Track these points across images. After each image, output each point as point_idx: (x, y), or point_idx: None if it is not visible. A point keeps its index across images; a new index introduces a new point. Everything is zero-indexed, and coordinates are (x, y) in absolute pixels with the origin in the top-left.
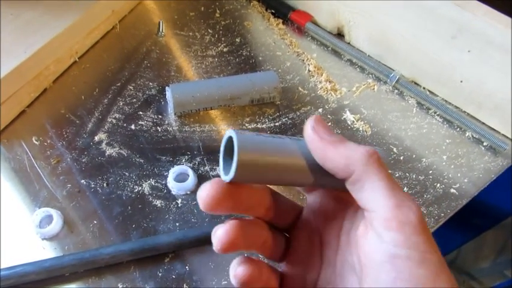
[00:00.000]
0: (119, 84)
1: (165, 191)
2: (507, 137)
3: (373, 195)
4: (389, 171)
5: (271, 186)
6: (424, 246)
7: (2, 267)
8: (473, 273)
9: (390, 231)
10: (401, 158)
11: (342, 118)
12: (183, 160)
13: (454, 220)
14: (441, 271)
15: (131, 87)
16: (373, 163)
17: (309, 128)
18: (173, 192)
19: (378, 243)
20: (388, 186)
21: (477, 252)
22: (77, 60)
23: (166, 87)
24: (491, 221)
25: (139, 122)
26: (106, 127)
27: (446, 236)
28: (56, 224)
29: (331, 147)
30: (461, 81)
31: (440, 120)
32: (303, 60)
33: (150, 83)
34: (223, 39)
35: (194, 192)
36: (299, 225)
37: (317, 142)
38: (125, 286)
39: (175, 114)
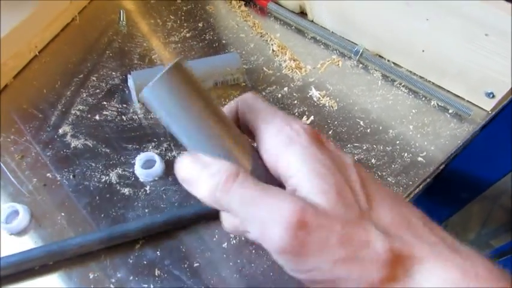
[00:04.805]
0: (81, 76)
1: (133, 178)
2: (472, 103)
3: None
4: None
5: None
6: None
7: None
8: None
9: None
10: (368, 130)
11: (308, 95)
12: (150, 147)
13: (439, 194)
14: None
15: (94, 78)
16: None
17: None
18: (141, 180)
19: None
20: None
21: (463, 225)
22: (37, 54)
23: (128, 75)
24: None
25: (104, 112)
26: (70, 119)
27: (432, 210)
28: (23, 219)
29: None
30: (423, 51)
31: (405, 91)
32: (267, 41)
33: (113, 73)
34: (185, 24)
35: (162, 178)
36: None
37: None
38: (95, 275)
39: (139, 101)
